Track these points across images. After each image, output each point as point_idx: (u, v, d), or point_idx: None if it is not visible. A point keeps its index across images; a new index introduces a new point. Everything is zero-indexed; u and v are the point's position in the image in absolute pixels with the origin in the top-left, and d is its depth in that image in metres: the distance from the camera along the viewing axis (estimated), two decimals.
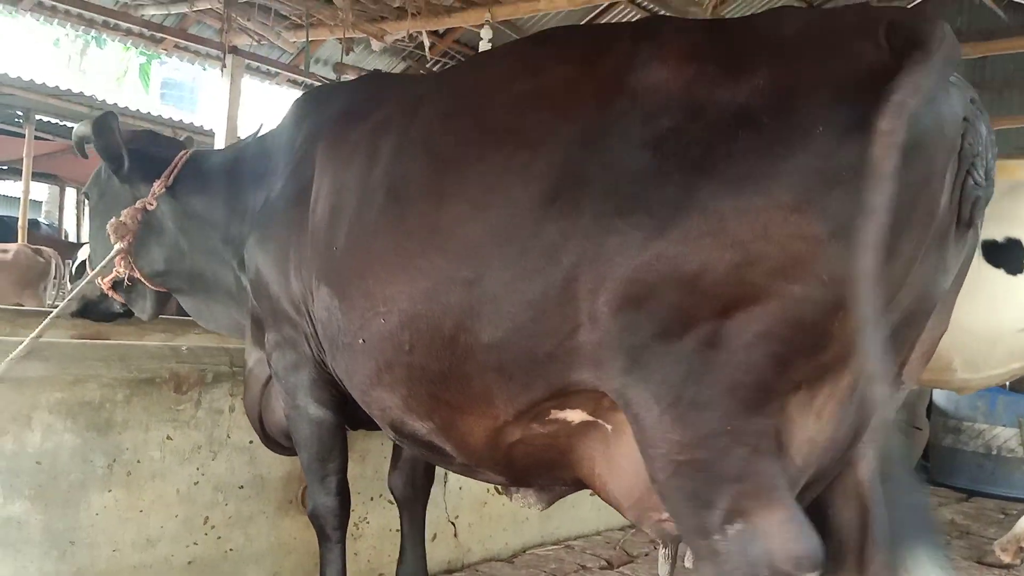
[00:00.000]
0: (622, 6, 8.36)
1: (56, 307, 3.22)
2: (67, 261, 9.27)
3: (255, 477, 3.22)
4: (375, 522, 3.60)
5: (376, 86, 2.72)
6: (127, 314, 3.54)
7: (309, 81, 9.03)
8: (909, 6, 9.31)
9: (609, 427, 1.91)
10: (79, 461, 2.77)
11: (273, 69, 8.66)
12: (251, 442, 3.19)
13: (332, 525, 2.69)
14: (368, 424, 2.86)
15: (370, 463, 3.57)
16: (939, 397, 6.78)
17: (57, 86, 9.48)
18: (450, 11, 6.75)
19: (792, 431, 1.70)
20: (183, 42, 7.92)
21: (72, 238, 14.46)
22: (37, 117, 10.36)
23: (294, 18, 7.09)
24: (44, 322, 2.86)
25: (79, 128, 3.41)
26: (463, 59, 8.70)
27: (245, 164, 3.03)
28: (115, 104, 10.33)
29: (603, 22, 8.86)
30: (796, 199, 1.55)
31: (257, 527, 3.21)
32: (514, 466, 2.15)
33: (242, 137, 8.15)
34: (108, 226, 3.02)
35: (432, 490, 3.18)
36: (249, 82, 8.64)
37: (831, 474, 1.88)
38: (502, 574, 3.93)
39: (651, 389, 1.68)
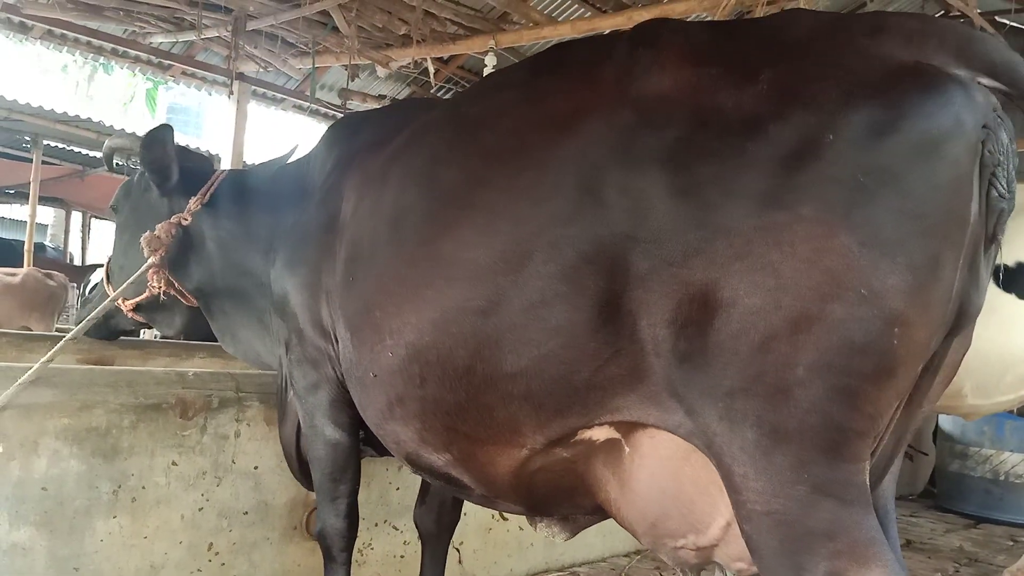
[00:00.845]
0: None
1: (66, 330, 3.23)
2: (72, 285, 9.31)
3: (260, 503, 3.21)
4: (379, 548, 3.58)
5: (400, 113, 2.68)
6: (131, 332, 3.56)
7: (315, 107, 9.11)
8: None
9: (627, 448, 1.84)
10: (85, 487, 2.77)
11: (279, 95, 8.74)
12: (256, 468, 3.19)
13: (339, 547, 2.68)
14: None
15: (375, 488, 3.56)
16: (945, 422, 6.75)
17: (65, 112, 9.56)
18: (454, 38, 6.82)
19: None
20: (191, 69, 8.00)
21: (77, 261, 14.53)
22: (44, 142, 10.44)
23: (300, 45, 7.17)
24: (60, 343, 2.87)
25: (114, 141, 3.39)
26: (467, 85, 8.78)
27: (281, 187, 3.01)
28: (122, 130, 10.41)
29: None
30: (818, 210, 1.48)
31: (261, 554, 3.20)
32: (534, 495, 2.08)
33: (248, 162, 8.21)
34: (142, 239, 2.97)
35: None
36: (255, 108, 8.72)
37: None
38: None
39: (710, 427, 1.59)
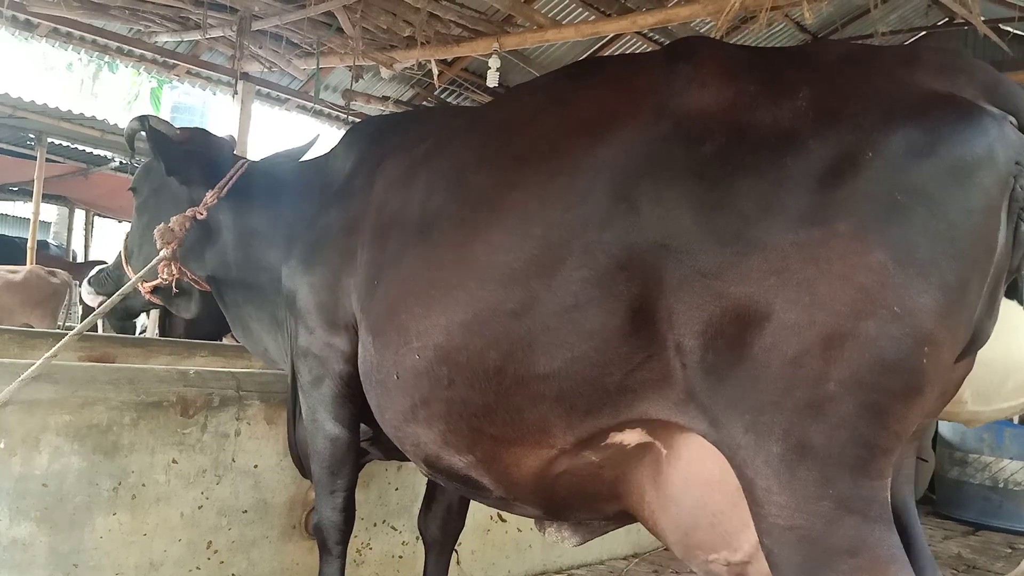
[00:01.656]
0: (628, 37, 8.45)
1: (69, 327, 3.23)
2: (75, 282, 9.33)
3: (259, 502, 3.22)
4: (378, 548, 3.59)
5: (426, 120, 2.70)
6: (146, 311, 3.61)
7: (318, 108, 9.13)
8: (911, 40, 9.42)
9: (665, 451, 1.83)
10: (85, 484, 2.78)
11: (283, 95, 8.76)
12: (256, 467, 3.20)
13: (334, 540, 2.70)
14: (399, 455, 2.88)
15: (373, 489, 3.57)
16: (945, 429, 6.75)
17: (69, 110, 9.59)
18: (459, 40, 6.83)
19: None
20: (195, 68, 8.02)
21: (80, 259, 14.55)
22: (49, 140, 10.46)
23: (305, 46, 7.19)
24: (64, 339, 2.88)
25: (132, 124, 3.34)
26: (471, 86, 8.80)
27: (301, 184, 3.01)
28: (124, 128, 10.41)
29: (609, 53, 8.97)
30: (854, 227, 1.50)
31: (260, 552, 3.21)
32: (555, 498, 2.08)
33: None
34: (156, 232, 2.96)
35: None
36: (259, 108, 8.73)
37: None
38: None
39: (735, 440, 1.59)
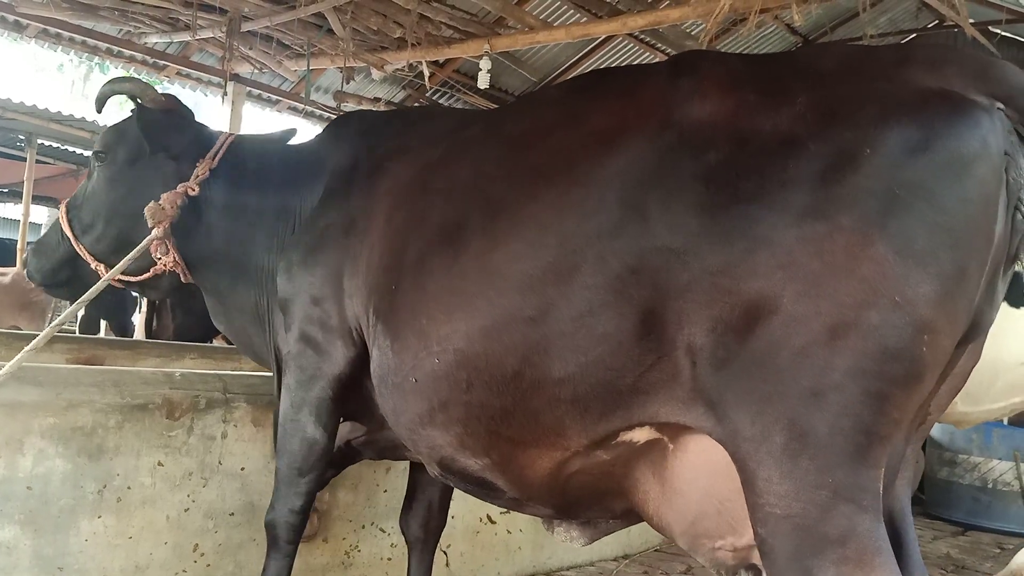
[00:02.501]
0: (619, 39, 8.47)
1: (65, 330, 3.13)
2: None
3: (246, 504, 3.21)
4: (366, 550, 3.58)
5: (432, 121, 2.71)
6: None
7: (310, 108, 9.11)
8: (905, 40, 9.44)
9: (671, 446, 1.90)
10: (70, 487, 2.77)
11: (274, 96, 8.74)
12: (243, 469, 3.19)
13: (286, 539, 2.66)
14: (390, 454, 2.87)
15: (362, 491, 3.56)
16: (934, 429, 6.77)
17: (59, 111, 9.56)
18: (450, 42, 6.83)
19: None
20: (185, 69, 7.99)
21: None
22: (39, 141, 10.42)
23: (295, 47, 7.18)
24: (46, 330, 2.79)
25: (118, 85, 3.08)
26: (462, 88, 8.80)
27: (290, 169, 2.92)
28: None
29: (600, 55, 8.98)
30: (856, 221, 1.56)
31: (247, 554, 3.19)
32: (567, 497, 2.13)
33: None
34: (147, 211, 2.76)
35: None
36: (250, 109, 8.72)
37: None
38: None
39: (741, 432, 1.65)
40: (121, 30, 7.11)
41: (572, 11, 7.64)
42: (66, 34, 7.11)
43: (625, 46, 8.82)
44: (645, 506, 2.02)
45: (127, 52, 7.57)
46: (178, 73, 8.20)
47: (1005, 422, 6.32)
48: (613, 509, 2.16)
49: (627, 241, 1.79)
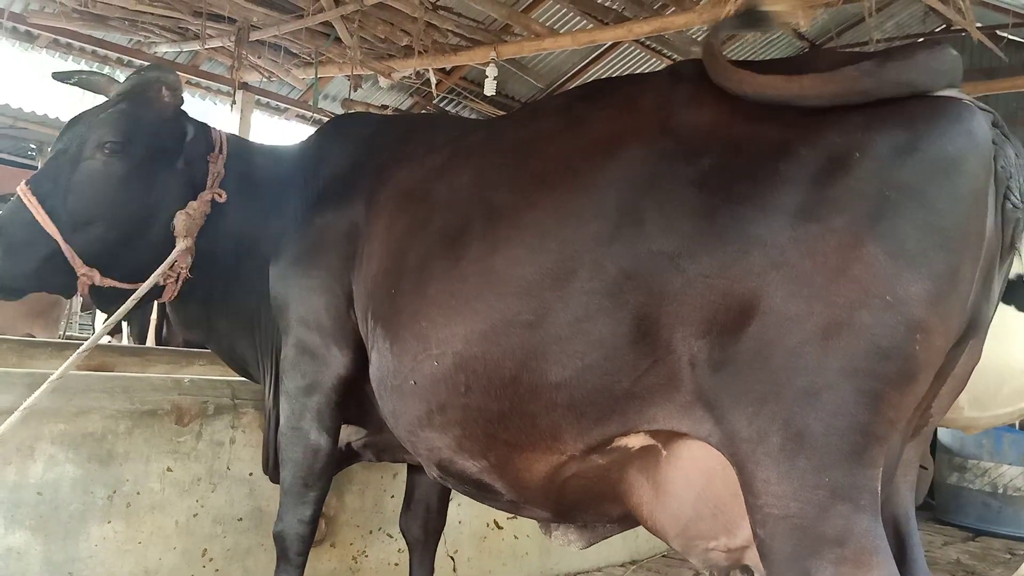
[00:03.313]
0: (625, 45, 8.48)
1: (73, 338, 3.16)
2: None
3: (254, 510, 3.23)
4: (373, 556, 3.60)
5: (433, 129, 2.72)
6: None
7: (318, 116, 9.16)
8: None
9: (664, 452, 1.91)
10: (80, 492, 2.80)
11: (282, 104, 8.79)
12: (251, 474, 3.22)
13: (296, 551, 2.65)
14: (389, 456, 2.88)
15: (369, 496, 3.58)
16: (944, 435, 6.75)
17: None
18: (456, 49, 6.86)
19: None
20: (195, 78, 8.05)
21: None
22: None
23: (303, 56, 7.21)
24: (81, 348, 2.59)
25: (93, 78, 2.84)
26: (469, 95, 8.83)
27: (286, 171, 2.84)
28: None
29: (606, 62, 9.01)
30: (847, 222, 1.59)
31: (255, 560, 3.21)
32: (564, 500, 2.15)
33: None
34: (179, 223, 2.60)
35: None
36: (259, 117, 8.77)
37: None
38: None
39: (738, 433, 1.67)
40: (131, 40, 7.16)
41: (578, 18, 7.66)
42: (77, 44, 7.17)
43: (631, 52, 8.84)
44: (640, 510, 2.03)
45: (137, 61, 7.62)
46: (187, 82, 8.24)
47: (1016, 427, 6.30)
48: (609, 513, 2.17)
49: (623, 246, 1.82)
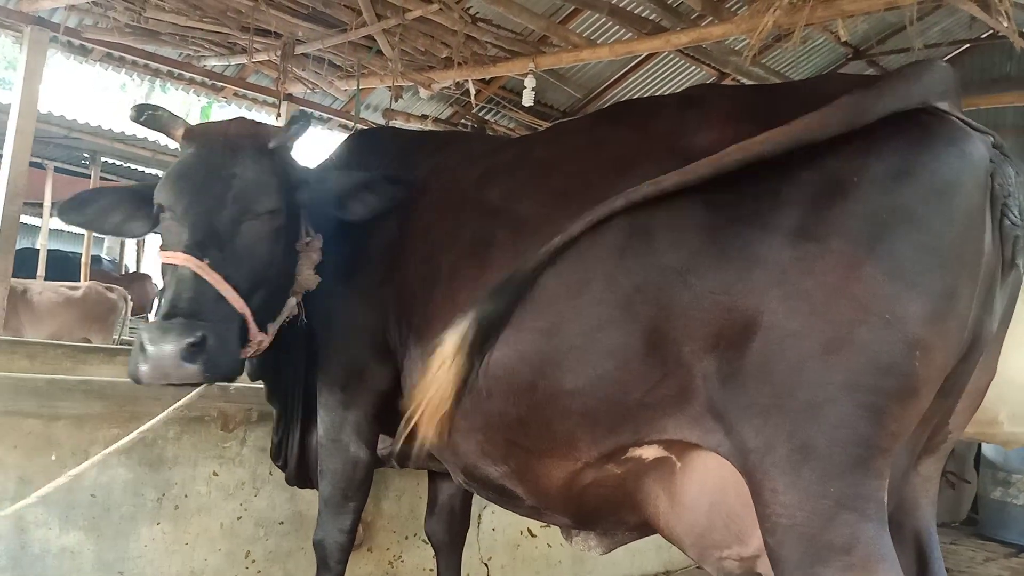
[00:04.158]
0: (663, 54, 8.49)
1: (122, 341, 3.28)
2: (127, 296, 9.65)
3: (295, 514, 3.33)
4: (409, 561, 3.68)
5: (467, 146, 2.79)
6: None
7: (360, 126, 9.33)
8: (946, 57, 9.31)
9: (679, 463, 1.97)
10: (131, 495, 2.93)
11: (326, 115, 8.96)
12: None
13: (336, 559, 2.73)
14: (415, 463, 2.95)
15: (405, 502, 3.67)
16: (988, 449, 6.63)
17: (123, 131, 9.95)
18: (495, 60, 6.95)
19: None
20: (242, 90, 8.26)
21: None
22: (102, 159, 10.86)
23: (346, 68, 7.37)
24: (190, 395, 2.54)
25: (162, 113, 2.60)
26: (508, 104, 8.91)
27: (326, 189, 2.65)
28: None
29: (646, 70, 9.02)
30: (846, 243, 1.64)
31: (296, 562, 3.32)
32: (583, 507, 2.20)
33: None
34: (302, 281, 2.58)
35: None
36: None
37: None
38: None
39: (746, 444, 1.72)
40: (181, 53, 7.39)
41: (616, 28, 7.70)
42: (129, 58, 7.41)
43: (671, 60, 8.85)
44: (657, 519, 2.08)
45: (187, 74, 7.85)
46: (235, 94, 8.47)
47: None
48: (627, 521, 2.23)
49: (634, 260, 1.88)
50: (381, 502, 3.61)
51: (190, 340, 2.10)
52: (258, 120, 2.72)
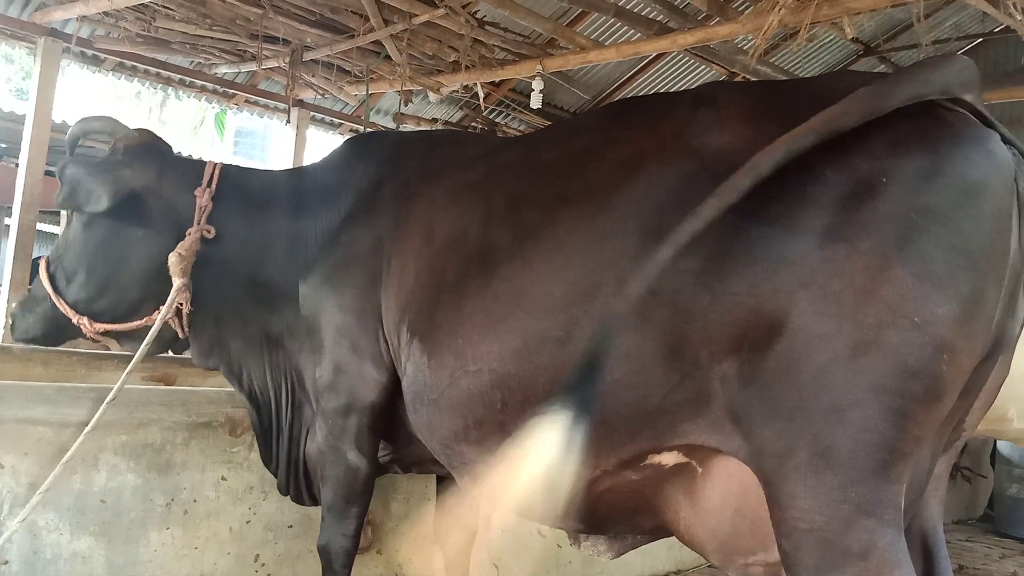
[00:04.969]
0: (671, 55, 8.49)
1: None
2: None
3: (303, 517, 3.36)
4: (418, 563, 3.70)
5: (458, 146, 2.80)
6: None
7: (371, 131, 9.38)
8: (960, 51, 9.23)
9: (700, 469, 1.95)
10: (140, 500, 2.97)
11: (336, 120, 9.02)
12: None
13: (342, 563, 2.77)
14: (417, 468, 2.98)
15: (414, 505, 3.69)
16: (1003, 446, 6.59)
17: None
18: (503, 63, 6.97)
19: None
20: (253, 97, 8.33)
21: None
22: None
23: (355, 73, 7.42)
24: (119, 381, 2.78)
25: (88, 123, 3.07)
26: (517, 107, 8.93)
27: (301, 194, 2.93)
28: (189, 156, 10.84)
29: (654, 70, 9.02)
30: (875, 244, 1.62)
31: (305, 565, 3.35)
32: (597, 514, 2.19)
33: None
34: (172, 262, 2.76)
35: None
36: (314, 132, 9.01)
37: None
38: None
39: (766, 448, 1.71)
40: (192, 62, 7.46)
41: (623, 30, 7.70)
42: (141, 66, 7.49)
43: (679, 60, 8.84)
44: (676, 524, 2.07)
45: (198, 82, 7.93)
46: (246, 100, 8.54)
47: None
48: (642, 526, 2.22)
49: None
50: (390, 504, 3.64)
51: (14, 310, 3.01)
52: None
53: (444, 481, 3.23)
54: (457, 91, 7.84)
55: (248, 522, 3.22)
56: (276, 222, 2.92)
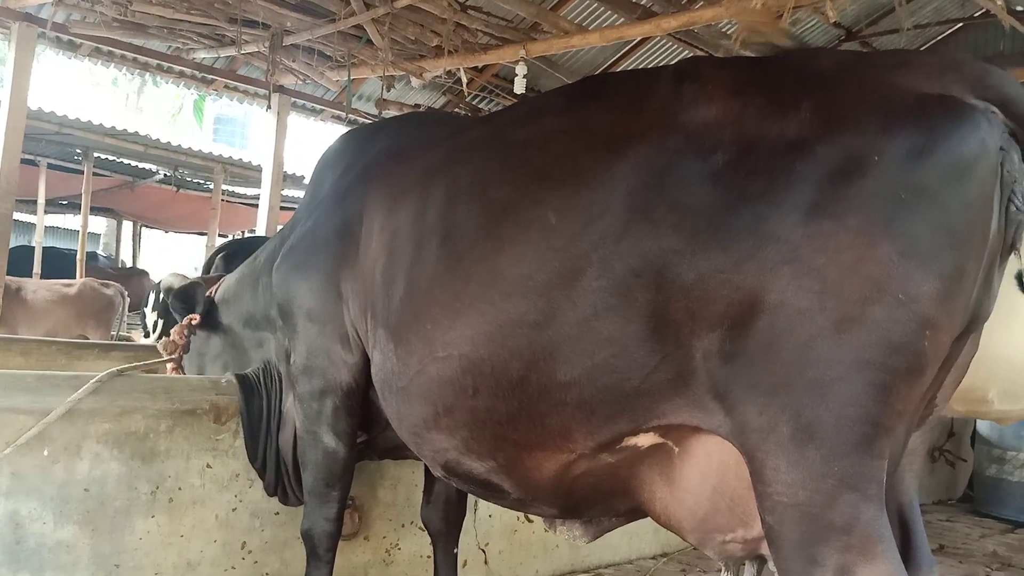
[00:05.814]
0: (655, 40, 8.47)
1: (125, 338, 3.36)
2: (124, 292, 9.66)
3: None
4: (406, 548, 3.70)
5: (423, 127, 2.78)
6: None
7: (352, 117, 9.31)
8: (939, 37, 9.29)
9: (677, 449, 1.94)
10: (124, 488, 2.94)
11: (317, 106, 8.95)
12: None
13: (325, 547, 2.77)
14: (392, 455, 2.98)
15: (401, 491, 3.68)
16: (983, 427, 6.67)
17: (114, 126, 9.93)
18: (486, 48, 6.92)
19: None
20: (232, 82, 8.24)
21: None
22: (95, 155, 10.84)
23: (336, 58, 7.34)
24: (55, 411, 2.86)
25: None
26: (501, 92, 8.90)
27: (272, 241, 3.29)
28: (168, 143, 10.75)
29: (638, 55, 9.00)
30: (862, 221, 1.62)
31: (292, 552, 3.33)
32: (572, 498, 2.18)
33: (288, 171, 8.39)
34: (161, 347, 3.53)
35: None
36: (295, 119, 8.94)
37: None
38: None
39: (749, 424, 1.70)
40: (170, 47, 7.37)
41: (607, 14, 7.68)
42: (118, 52, 7.38)
43: (663, 44, 8.82)
44: (652, 505, 2.06)
45: (176, 68, 7.83)
46: (225, 86, 8.45)
47: None
48: (617, 508, 2.21)
49: (631, 243, 1.83)
50: (377, 490, 3.62)
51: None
52: None
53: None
54: (440, 76, 7.79)
55: (234, 510, 3.20)
56: (255, 266, 3.33)
